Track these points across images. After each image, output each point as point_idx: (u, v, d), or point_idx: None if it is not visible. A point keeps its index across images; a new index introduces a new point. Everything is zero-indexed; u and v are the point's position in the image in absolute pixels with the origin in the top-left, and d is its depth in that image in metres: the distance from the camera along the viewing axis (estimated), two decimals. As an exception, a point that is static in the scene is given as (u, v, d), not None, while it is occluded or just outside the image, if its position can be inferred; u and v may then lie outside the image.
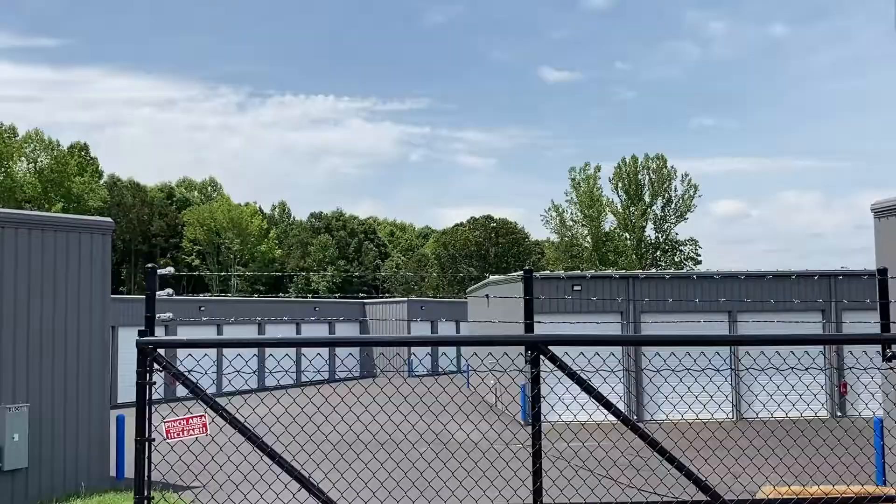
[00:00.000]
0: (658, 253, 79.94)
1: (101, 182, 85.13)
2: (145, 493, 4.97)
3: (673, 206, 79.03)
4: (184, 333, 41.59)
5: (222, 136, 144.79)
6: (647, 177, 79.13)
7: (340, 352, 51.53)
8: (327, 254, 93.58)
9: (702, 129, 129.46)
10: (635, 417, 28.58)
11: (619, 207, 79.74)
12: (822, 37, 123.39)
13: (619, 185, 79.54)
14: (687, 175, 79.18)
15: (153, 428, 5.08)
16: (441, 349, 54.09)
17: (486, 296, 36.12)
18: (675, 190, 78.98)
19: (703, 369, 6.03)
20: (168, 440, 5.30)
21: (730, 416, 28.83)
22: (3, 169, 70.11)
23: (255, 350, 44.31)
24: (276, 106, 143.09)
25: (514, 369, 5.86)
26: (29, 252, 16.24)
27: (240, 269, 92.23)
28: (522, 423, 28.05)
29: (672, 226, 79.66)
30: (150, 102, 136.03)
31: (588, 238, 79.91)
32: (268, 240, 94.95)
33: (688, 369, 6.17)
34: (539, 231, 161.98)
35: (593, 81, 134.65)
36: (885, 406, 14.43)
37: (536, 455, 5.09)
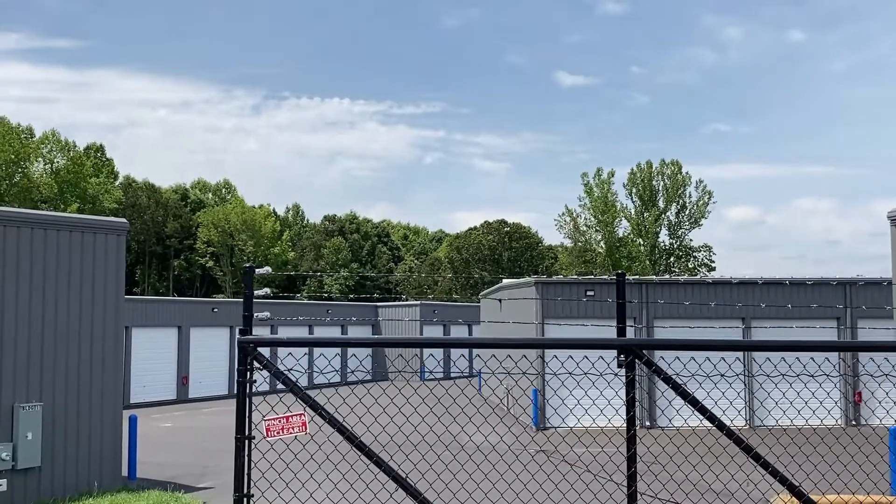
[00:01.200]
0: (672, 259, 79.62)
1: (117, 183, 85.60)
2: (245, 491, 5.02)
3: (687, 212, 78.72)
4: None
5: (238, 138, 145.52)
6: (661, 182, 78.87)
7: (353, 353, 51.57)
8: (340, 256, 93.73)
9: (717, 134, 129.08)
10: (648, 424, 28.44)
11: (632, 213, 79.50)
12: (838, 43, 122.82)
13: (634, 190, 79.30)
14: (702, 181, 78.91)
15: (253, 426, 5.13)
16: (454, 352, 54.06)
17: (499, 300, 36.06)
18: (690, 196, 78.70)
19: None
20: (268, 438, 5.41)
21: (743, 419, 28.65)
22: (20, 169, 70.59)
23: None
24: (291, 108, 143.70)
25: (595, 373, 5.76)
26: (44, 252, 16.33)
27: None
28: (534, 428, 27.96)
29: (686, 232, 79.36)
30: (166, 104, 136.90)
31: (602, 243, 79.68)
32: (281, 242, 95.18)
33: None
34: (553, 236, 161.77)
35: (608, 86, 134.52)
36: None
37: (631, 459, 5.05)
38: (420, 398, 5.67)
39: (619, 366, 5.18)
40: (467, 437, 7.71)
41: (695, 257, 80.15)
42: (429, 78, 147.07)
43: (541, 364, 27.28)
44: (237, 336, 5.18)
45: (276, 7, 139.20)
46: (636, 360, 4.98)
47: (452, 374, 53.41)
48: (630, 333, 29.23)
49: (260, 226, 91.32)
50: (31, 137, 74.49)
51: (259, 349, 5.09)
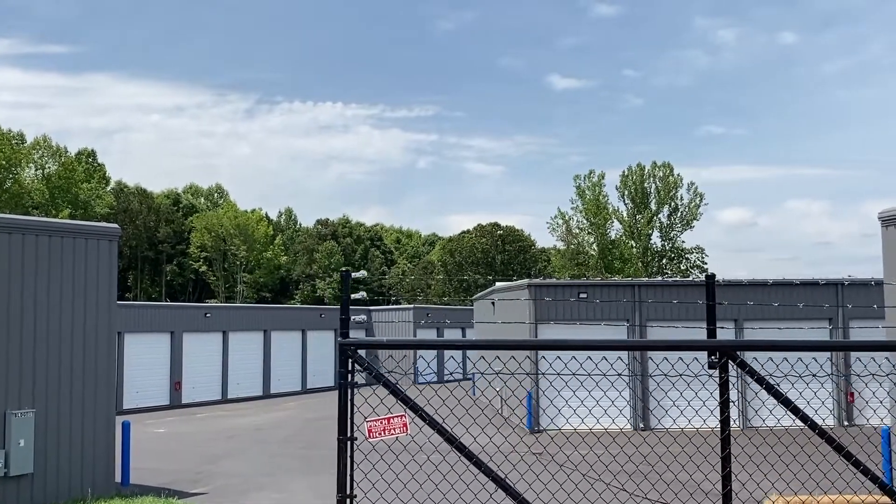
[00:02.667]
0: (664, 261, 79.76)
1: (108, 188, 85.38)
2: (348, 492, 5.07)
3: (679, 214, 78.89)
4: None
5: (231, 142, 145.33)
6: (653, 185, 79.04)
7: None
8: (333, 260, 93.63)
9: (710, 136, 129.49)
10: (641, 425, 28.49)
11: (624, 215, 79.63)
12: (831, 45, 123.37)
13: (626, 192, 79.45)
14: (693, 184, 79.12)
15: (356, 427, 5.19)
16: (447, 353, 54.05)
17: (492, 302, 36.08)
18: (682, 198, 78.89)
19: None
20: (370, 440, 5.47)
21: (736, 424, 28.73)
22: (11, 175, 70.36)
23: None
24: (284, 113, 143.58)
25: (690, 375, 5.77)
26: (36, 258, 16.28)
27: (245, 276, 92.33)
28: (528, 430, 27.95)
29: (678, 234, 79.51)
30: (160, 109, 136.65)
31: (594, 246, 79.77)
32: (273, 246, 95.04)
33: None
34: (546, 238, 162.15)
35: (602, 89, 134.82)
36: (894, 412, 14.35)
37: (726, 460, 5.08)
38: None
39: (711, 367, 5.23)
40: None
41: (687, 259, 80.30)
42: (422, 81, 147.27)
43: (533, 365, 27.30)
44: (338, 339, 5.24)
45: (269, 11, 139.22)
46: (729, 362, 5.03)
47: (445, 378, 53.40)
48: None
49: (253, 230, 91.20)
50: (23, 143, 74.27)
51: (358, 351, 5.17)
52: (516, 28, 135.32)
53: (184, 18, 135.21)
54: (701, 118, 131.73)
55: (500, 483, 5.01)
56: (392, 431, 5.56)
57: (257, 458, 22.96)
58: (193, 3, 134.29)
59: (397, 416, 5.53)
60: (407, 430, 5.54)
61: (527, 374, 26.96)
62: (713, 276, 5.99)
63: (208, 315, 42.68)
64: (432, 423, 5.02)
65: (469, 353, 54.34)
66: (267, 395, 44.87)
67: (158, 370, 39.33)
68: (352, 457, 5.12)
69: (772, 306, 26.97)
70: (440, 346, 6.28)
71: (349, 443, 5.14)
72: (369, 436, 5.49)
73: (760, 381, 5.20)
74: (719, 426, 5.25)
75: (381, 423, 5.55)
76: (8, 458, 15.28)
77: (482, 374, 37.63)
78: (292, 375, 47.21)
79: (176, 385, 39.97)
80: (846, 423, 28.87)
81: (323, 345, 49.50)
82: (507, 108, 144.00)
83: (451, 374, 52.61)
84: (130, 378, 37.62)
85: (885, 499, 9.61)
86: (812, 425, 5.17)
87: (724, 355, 5.10)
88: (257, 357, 45.02)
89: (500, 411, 33.61)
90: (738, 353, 5.13)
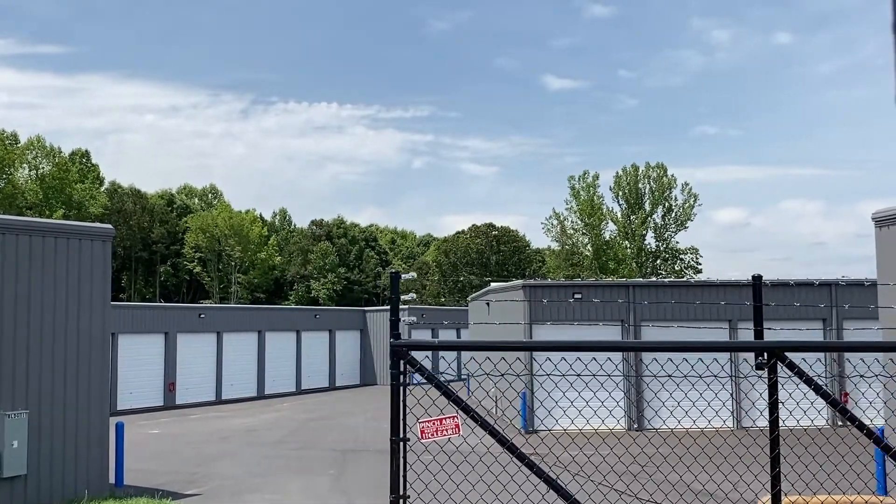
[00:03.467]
0: (658, 261, 79.90)
1: (102, 189, 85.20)
2: (401, 493, 5.10)
3: (673, 214, 79.07)
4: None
5: (225, 143, 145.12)
6: (647, 185, 79.21)
7: (340, 360, 51.47)
8: (328, 261, 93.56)
9: (704, 137, 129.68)
10: (636, 426, 28.52)
11: (619, 216, 79.77)
12: (825, 45, 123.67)
13: (620, 193, 79.61)
14: (687, 184, 79.33)
15: (408, 428, 5.22)
16: (441, 354, 54.05)
17: (487, 302, 36.09)
18: (675, 199, 79.07)
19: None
20: (422, 441, 5.47)
21: (728, 424, 28.79)
22: (4, 175, 70.18)
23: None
24: (279, 113, 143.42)
25: (742, 376, 5.85)
26: (29, 258, 16.24)
27: (240, 276, 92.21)
28: (521, 430, 27.94)
29: (672, 234, 79.68)
30: (154, 109, 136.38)
31: (588, 246, 79.87)
32: (267, 247, 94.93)
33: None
34: (540, 239, 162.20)
35: (596, 89, 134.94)
36: (886, 413, 14.39)
37: (775, 461, 5.10)
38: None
39: (759, 368, 5.25)
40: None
41: (681, 259, 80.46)
42: (417, 82, 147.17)
43: (531, 365, 27.32)
44: (390, 340, 5.24)
45: (264, 11, 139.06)
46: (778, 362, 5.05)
47: (442, 379, 53.34)
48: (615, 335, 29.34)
49: (247, 231, 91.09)
50: (16, 143, 74.09)
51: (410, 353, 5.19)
52: (511, 28, 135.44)
53: (179, 19, 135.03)
54: (695, 118, 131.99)
55: (552, 484, 5.05)
56: (444, 432, 5.56)
57: (251, 460, 22.93)
58: (188, 3, 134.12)
59: (450, 418, 5.54)
60: (459, 431, 5.56)
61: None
62: (759, 277, 5.96)
63: (202, 316, 42.61)
64: (484, 425, 5.04)
65: (462, 354, 54.40)
66: (261, 396, 44.80)
67: (152, 371, 39.25)
68: (405, 457, 5.17)
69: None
70: (494, 347, 6.10)
71: (402, 443, 5.19)
72: (422, 437, 5.51)
73: (809, 381, 5.22)
74: (768, 427, 5.28)
75: (434, 424, 5.56)
76: (1, 460, 15.23)
77: (467, 377, 37.67)
78: (287, 376, 47.16)
79: (170, 386, 39.90)
80: (839, 424, 28.94)
81: (317, 346, 49.47)
82: (502, 108, 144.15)
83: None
84: (124, 379, 37.54)
85: (874, 498, 9.64)
86: (860, 426, 5.20)
87: (772, 356, 5.11)
88: (252, 358, 44.96)
89: (491, 412, 33.64)
90: (786, 354, 5.13)
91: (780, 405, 5.27)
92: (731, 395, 28.99)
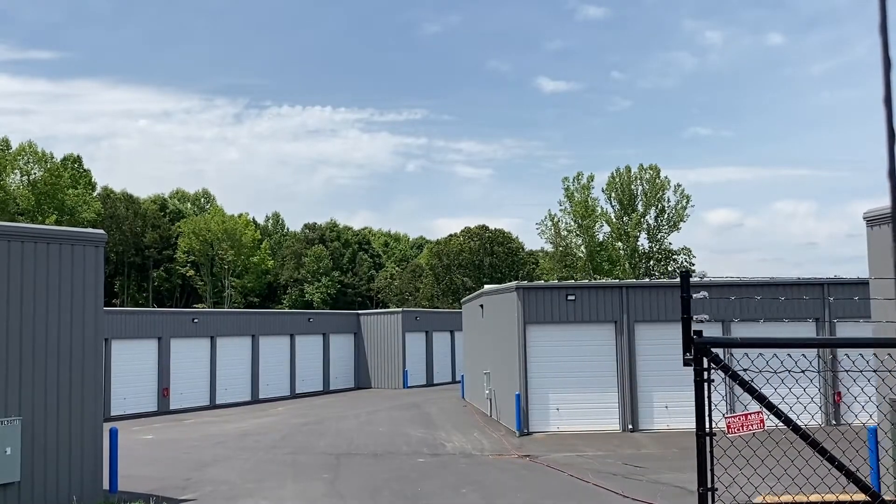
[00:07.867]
0: (651, 262, 79.99)
1: (95, 194, 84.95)
2: (709, 486, 5.27)
3: (666, 216, 79.19)
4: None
5: (219, 147, 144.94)
6: (640, 187, 79.32)
7: (334, 363, 51.38)
8: (321, 265, 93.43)
9: (697, 138, 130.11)
10: (631, 427, 28.55)
11: (612, 217, 79.85)
12: (817, 46, 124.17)
13: (613, 195, 79.69)
14: (680, 185, 79.47)
15: (714, 423, 5.33)
16: (437, 356, 54.04)
17: (481, 305, 36.09)
18: (668, 200, 79.21)
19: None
20: (728, 435, 5.63)
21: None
22: (-5, 181, 69.92)
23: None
24: (272, 117, 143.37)
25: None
26: (21, 264, 16.19)
27: (233, 281, 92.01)
28: (516, 433, 27.93)
29: (665, 235, 79.79)
30: (147, 114, 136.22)
31: (582, 248, 79.93)
32: (261, 251, 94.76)
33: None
34: (534, 241, 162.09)
35: (589, 91, 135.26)
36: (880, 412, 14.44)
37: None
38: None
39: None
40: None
41: (674, 260, 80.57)
42: (410, 85, 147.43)
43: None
44: (693, 338, 5.24)
45: (257, 16, 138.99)
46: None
47: (435, 382, 53.35)
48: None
49: (240, 235, 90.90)
50: (8, 149, 73.84)
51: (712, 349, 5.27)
52: (503, 31, 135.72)
53: (171, 24, 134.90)
54: (688, 120, 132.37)
55: (852, 476, 5.12)
56: (750, 427, 5.72)
57: (246, 464, 22.87)
58: (181, 8, 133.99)
59: (754, 413, 5.68)
60: (764, 425, 5.68)
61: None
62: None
63: (196, 320, 42.49)
64: (787, 421, 5.11)
65: (461, 355, 54.35)
66: (255, 400, 44.71)
67: (146, 376, 39.14)
68: (711, 451, 5.27)
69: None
70: (805, 345, 6.00)
71: (708, 438, 5.28)
72: (728, 431, 5.66)
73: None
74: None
75: (739, 419, 5.71)
76: (-6, 467, 15.17)
77: (462, 378, 37.43)
78: (281, 380, 47.07)
79: (164, 391, 39.78)
80: (833, 423, 29.02)
81: (311, 350, 49.40)
82: (495, 111, 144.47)
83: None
84: (118, 384, 37.42)
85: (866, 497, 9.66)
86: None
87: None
88: (245, 362, 44.86)
89: (489, 414, 33.64)
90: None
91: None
92: (723, 399, 29.02)
